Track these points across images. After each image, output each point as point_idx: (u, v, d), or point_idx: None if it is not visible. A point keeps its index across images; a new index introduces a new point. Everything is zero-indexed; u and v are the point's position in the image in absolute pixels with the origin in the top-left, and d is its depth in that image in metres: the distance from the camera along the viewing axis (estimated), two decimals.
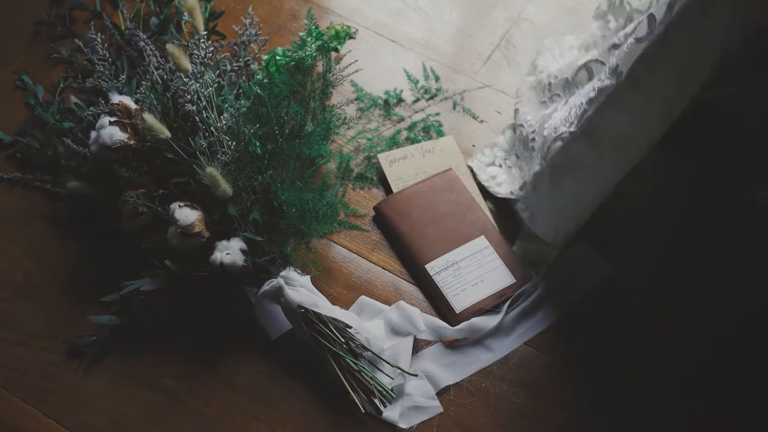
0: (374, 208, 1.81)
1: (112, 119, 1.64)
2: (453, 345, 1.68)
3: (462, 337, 1.68)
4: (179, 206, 1.59)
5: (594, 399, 1.63)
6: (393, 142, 1.88)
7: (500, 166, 1.82)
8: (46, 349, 1.68)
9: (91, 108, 1.81)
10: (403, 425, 1.60)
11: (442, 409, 1.62)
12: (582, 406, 1.62)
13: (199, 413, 1.62)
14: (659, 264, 1.74)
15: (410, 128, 1.90)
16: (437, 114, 1.93)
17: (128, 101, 1.69)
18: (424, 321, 1.68)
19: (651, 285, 1.72)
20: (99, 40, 1.79)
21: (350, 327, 1.62)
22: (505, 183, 1.80)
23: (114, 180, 1.72)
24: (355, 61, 1.80)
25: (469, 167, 1.84)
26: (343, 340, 1.59)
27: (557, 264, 1.73)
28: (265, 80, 1.75)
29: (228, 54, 1.91)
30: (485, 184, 1.81)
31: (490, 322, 1.68)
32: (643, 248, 1.76)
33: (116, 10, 1.99)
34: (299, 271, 1.64)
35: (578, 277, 1.73)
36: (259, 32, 1.97)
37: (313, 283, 1.65)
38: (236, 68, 1.88)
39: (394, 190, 1.82)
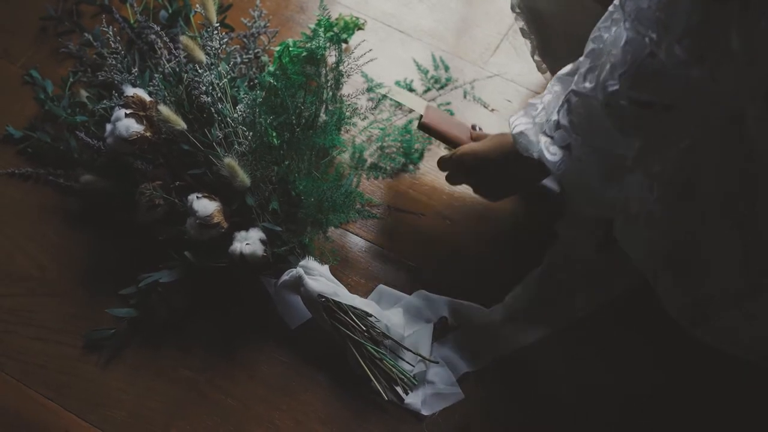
0: (420, 125, 1.77)
1: (128, 111, 1.64)
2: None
3: (497, 319, 1.68)
4: (197, 197, 1.59)
5: (618, 393, 1.64)
6: (405, 131, 1.88)
7: None
8: (64, 344, 1.68)
9: (104, 101, 1.80)
10: (425, 412, 1.61)
11: (463, 396, 1.62)
12: (602, 397, 1.64)
13: (221, 404, 1.62)
14: None
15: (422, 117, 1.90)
16: (448, 103, 1.93)
17: (142, 93, 1.69)
18: (455, 307, 1.69)
19: None
20: (110, 33, 1.79)
21: (370, 315, 1.62)
22: (560, 184, 1.79)
23: (128, 173, 1.71)
24: (370, 50, 1.80)
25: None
26: (364, 328, 1.59)
27: (595, 263, 1.73)
28: (278, 71, 1.75)
29: (237, 46, 1.91)
30: (545, 183, 1.80)
31: (521, 294, 1.71)
32: None
33: (124, 3, 1.99)
34: (318, 261, 1.64)
35: (610, 279, 1.72)
36: (268, 24, 1.97)
37: (331, 273, 1.66)
38: (246, 60, 1.88)
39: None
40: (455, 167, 1.65)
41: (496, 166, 1.57)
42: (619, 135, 1.26)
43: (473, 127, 1.74)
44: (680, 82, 1.11)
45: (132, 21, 1.95)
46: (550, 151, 1.38)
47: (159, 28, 1.84)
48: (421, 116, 1.73)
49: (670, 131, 1.22)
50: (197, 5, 1.75)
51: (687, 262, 1.34)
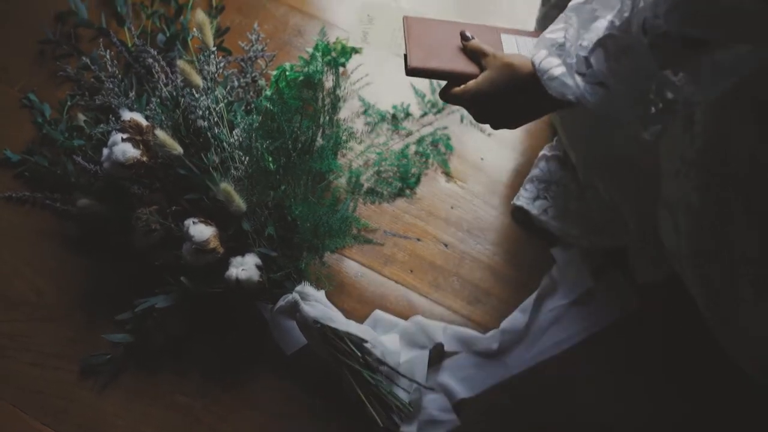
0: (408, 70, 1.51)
1: (125, 136, 1.64)
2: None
3: (494, 345, 1.68)
4: (193, 222, 1.59)
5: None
6: (402, 156, 1.88)
7: (545, 198, 1.81)
8: (61, 369, 1.68)
9: (101, 125, 1.81)
10: None
11: (459, 423, 1.62)
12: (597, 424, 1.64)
13: (217, 430, 1.62)
14: None
15: (419, 142, 1.90)
16: (445, 128, 1.93)
17: (139, 118, 1.69)
18: (452, 333, 1.69)
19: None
20: (108, 56, 1.80)
21: (366, 341, 1.62)
22: (557, 218, 1.80)
23: (125, 197, 1.72)
24: (366, 75, 1.81)
25: (518, 206, 1.83)
26: (359, 354, 1.59)
27: (590, 288, 1.74)
28: (275, 96, 1.76)
29: (235, 70, 1.91)
30: (541, 218, 1.80)
31: (518, 319, 1.71)
32: None
33: (122, 27, 1.99)
34: (314, 286, 1.64)
35: (605, 305, 1.73)
36: (265, 48, 1.97)
37: (327, 298, 1.66)
38: (244, 84, 1.88)
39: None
40: (466, 108, 1.50)
41: (511, 99, 1.43)
42: (664, 74, 1.20)
43: (464, 37, 1.52)
44: (732, 15, 1.05)
45: (129, 45, 1.95)
46: (589, 92, 1.28)
47: (156, 52, 1.84)
48: (405, 57, 1.51)
49: (719, 67, 1.17)
50: (194, 29, 1.76)
51: (717, 256, 1.34)
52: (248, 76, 1.91)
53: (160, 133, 1.60)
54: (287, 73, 1.81)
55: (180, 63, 1.66)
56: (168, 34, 1.97)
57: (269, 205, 1.67)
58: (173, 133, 1.67)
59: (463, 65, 1.50)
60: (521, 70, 1.38)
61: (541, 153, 1.87)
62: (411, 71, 1.50)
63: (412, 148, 1.90)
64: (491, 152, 1.91)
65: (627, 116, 1.28)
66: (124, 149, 1.63)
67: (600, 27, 1.23)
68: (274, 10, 2.09)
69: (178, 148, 1.62)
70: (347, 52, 1.94)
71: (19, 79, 2.01)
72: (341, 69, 1.92)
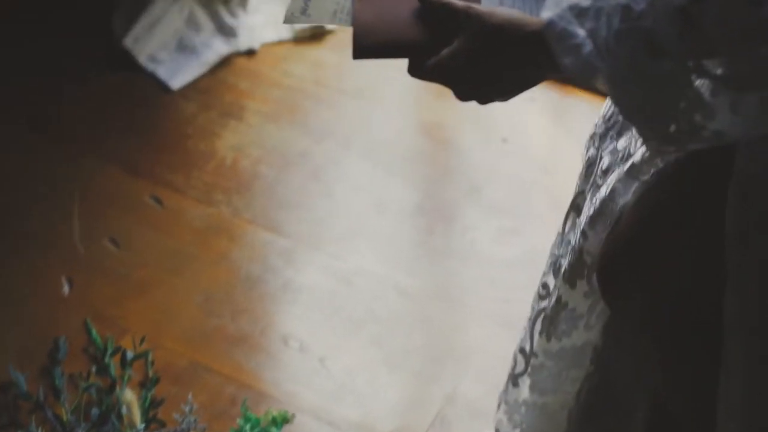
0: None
1: None
2: None
3: None
4: None
5: None
6: None
7: None
8: None
9: None
10: None
11: None
12: None
13: None
14: None
15: None
16: None
17: None
18: None
19: None
20: None
21: None
22: None
23: None
24: None
25: None
26: None
27: None
28: None
29: None
30: None
31: None
32: None
33: (58, 400, 2.04)
34: None
35: None
36: (198, 419, 2.00)
37: None
38: None
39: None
40: (443, 85, 1.21)
41: (503, 72, 1.17)
42: (699, 90, 1.00)
43: None
44: None
45: (64, 419, 1.99)
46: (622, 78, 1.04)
47: (88, 426, 1.88)
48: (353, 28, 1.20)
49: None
50: (124, 406, 1.81)
51: None
52: None
53: None
54: None
55: None
56: (102, 408, 2.01)
57: None
58: None
59: (430, 29, 1.20)
60: (515, 36, 1.13)
61: None
62: (360, 52, 1.20)
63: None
64: None
65: (638, 121, 1.09)
66: None
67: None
68: (210, 379, 2.15)
69: None
70: (278, 423, 1.98)
71: None
72: None
